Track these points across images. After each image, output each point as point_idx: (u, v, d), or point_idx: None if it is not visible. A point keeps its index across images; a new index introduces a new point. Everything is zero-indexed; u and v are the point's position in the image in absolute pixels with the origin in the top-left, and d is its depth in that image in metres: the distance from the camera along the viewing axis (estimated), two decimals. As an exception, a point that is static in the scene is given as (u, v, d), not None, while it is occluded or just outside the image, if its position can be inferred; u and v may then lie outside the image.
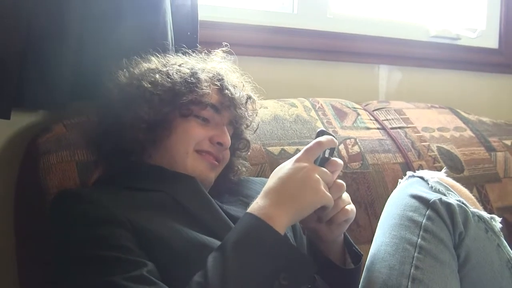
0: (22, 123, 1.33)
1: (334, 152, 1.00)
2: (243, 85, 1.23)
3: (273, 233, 0.89)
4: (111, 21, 1.30)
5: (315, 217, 1.00)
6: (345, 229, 1.05)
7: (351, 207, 1.01)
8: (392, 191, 1.13)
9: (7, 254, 1.28)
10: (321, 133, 0.99)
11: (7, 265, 1.28)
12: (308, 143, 0.97)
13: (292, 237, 1.16)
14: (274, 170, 0.97)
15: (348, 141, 1.57)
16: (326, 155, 0.98)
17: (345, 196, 1.01)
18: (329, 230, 1.03)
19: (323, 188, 0.93)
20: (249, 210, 0.93)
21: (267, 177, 0.99)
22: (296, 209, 0.92)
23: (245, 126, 1.25)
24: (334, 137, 0.98)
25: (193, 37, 1.42)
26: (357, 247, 1.11)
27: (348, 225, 1.04)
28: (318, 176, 0.93)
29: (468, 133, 1.80)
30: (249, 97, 1.23)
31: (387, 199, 1.11)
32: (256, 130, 1.33)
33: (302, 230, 1.21)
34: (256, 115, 1.28)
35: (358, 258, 1.10)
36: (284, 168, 0.95)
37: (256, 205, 0.93)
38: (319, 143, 0.96)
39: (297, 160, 0.95)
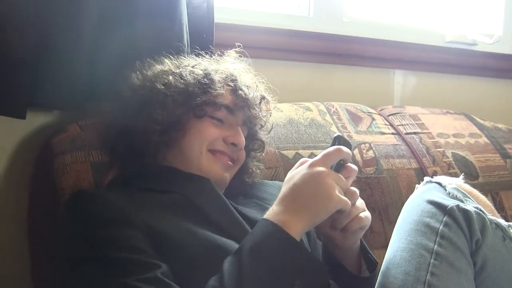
0: (37, 123, 1.33)
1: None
2: (257, 86, 1.23)
3: (289, 239, 0.88)
4: (128, 23, 1.30)
5: (329, 222, 0.99)
6: (361, 236, 1.04)
7: (365, 214, 1.00)
8: (406, 197, 1.12)
9: (21, 254, 1.28)
10: (338, 138, 0.99)
11: (21, 265, 1.28)
12: (322, 147, 0.97)
13: (307, 241, 1.16)
14: (289, 175, 0.96)
15: (362, 145, 1.56)
16: (341, 161, 0.98)
17: (359, 203, 1.00)
18: (344, 238, 1.02)
19: (337, 192, 0.92)
20: (265, 216, 0.92)
21: (281, 180, 0.98)
22: (311, 215, 0.91)
23: (259, 126, 1.25)
24: (350, 144, 0.97)
25: (209, 39, 1.42)
26: (372, 254, 1.10)
27: (364, 232, 1.02)
28: (332, 181, 0.92)
29: (484, 139, 1.78)
30: (263, 97, 1.22)
31: (401, 205, 1.10)
32: (270, 130, 1.32)
33: (317, 234, 1.20)
34: (270, 115, 1.28)
35: (373, 265, 1.08)
36: (299, 173, 0.94)
37: (272, 211, 0.92)
38: (339, 150, 0.95)
39: (313, 164, 0.94)
